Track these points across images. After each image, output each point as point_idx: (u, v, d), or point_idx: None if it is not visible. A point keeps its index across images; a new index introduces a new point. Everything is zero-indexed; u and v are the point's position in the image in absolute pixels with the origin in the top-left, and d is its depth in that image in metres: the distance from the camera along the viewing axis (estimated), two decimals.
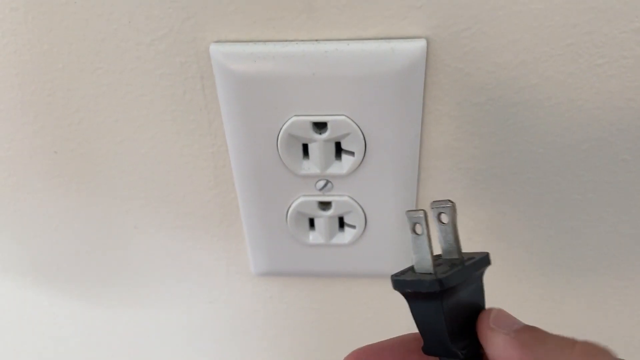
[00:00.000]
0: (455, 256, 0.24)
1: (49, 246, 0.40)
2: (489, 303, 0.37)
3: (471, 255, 0.24)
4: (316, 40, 0.29)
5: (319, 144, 0.31)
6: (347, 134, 0.31)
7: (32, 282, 0.43)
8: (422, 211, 0.23)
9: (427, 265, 0.23)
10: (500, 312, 0.23)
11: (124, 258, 0.41)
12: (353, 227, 0.36)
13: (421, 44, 0.28)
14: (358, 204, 0.34)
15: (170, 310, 0.44)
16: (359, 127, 0.31)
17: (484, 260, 0.24)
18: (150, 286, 0.43)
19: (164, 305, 0.44)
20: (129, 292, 0.43)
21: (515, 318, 0.22)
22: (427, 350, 0.23)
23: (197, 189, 0.36)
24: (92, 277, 0.42)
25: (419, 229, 0.23)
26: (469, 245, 0.37)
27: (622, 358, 0.20)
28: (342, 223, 0.36)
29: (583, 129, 0.31)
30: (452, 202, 0.24)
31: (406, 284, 0.23)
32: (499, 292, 0.40)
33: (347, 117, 0.30)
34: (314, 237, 0.36)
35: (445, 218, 0.24)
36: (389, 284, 0.40)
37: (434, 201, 0.24)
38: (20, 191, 0.37)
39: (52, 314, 0.46)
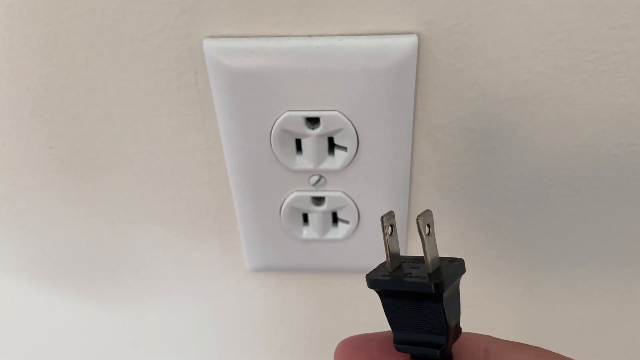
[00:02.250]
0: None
1: (44, 242, 0.41)
2: (485, 298, 0.37)
3: (445, 261, 0.24)
4: (308, 35, 0.29)
5: (312, 139, 0.32)
6: (340, 129, 0.31)
7: (26, 279, 0.43)
8: (381, 217, 0.23)
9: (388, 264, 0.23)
10: None
11: (120, 254, 0.41)
12: (347, 222, 0.36)
13: (412, 39, 0.29)
14: (351, 199, 0.34)
15: (165, 306, 0.44)
16: (351, 122, 0.31)
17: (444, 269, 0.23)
18: (146, 282, 0.43)
19: (160, 301, 0.44)
20: (125, 288, 0.43)
21: None
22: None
23: (192, 185, 0.36)
24: (87, 273, 0.43)
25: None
26: (460, 241, 0.37)
27: None
28: (335, 218, 0.36)
29: (574, 125, 0.31)
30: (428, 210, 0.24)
31: (367, 275, 0.24)
32: (491, 287, 0.40)
33: (340, 112, 0.31)
34: (307, 232, 0.36)
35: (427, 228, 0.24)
36: None
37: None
38: (15, 186, 0.37)
39: (47, 311, 0.46)
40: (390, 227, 0.23)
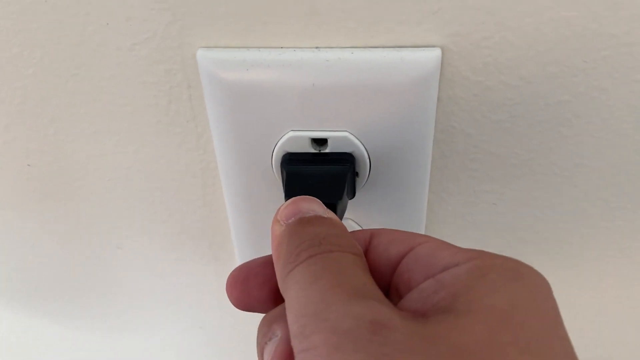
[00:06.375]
0: None
1: (24, 265, 0.37)
2: None
3: None
4: (317, 47, 0.26)
5: None
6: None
7: (7, 303, 0.40)
8: None
9: None
10: (295, 203, 0.20)
11: (106, 279, 0.38)
12: None
13: (435, 53, 0.25)
14: (361, 227, 0.31)
15: (157, 333, 0.41)
16: (363, 144, 0.27)
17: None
18: (135, 308, 0.39)
19: (151, 328, 0.41)
20: (112, 314, 0.40)
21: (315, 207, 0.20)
22: None
23: (185, 208, 0.33)
24: (72, 298, 0.39)
25: None
26: None
27: None
28: None
29: (615, 151, 0.28)
30: None
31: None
32: None
33: (350, 133, 0.27)
34: None
35: None
36: None
37: None
38: None
39: (29, 336, 0.42)
40: None
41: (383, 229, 0.21)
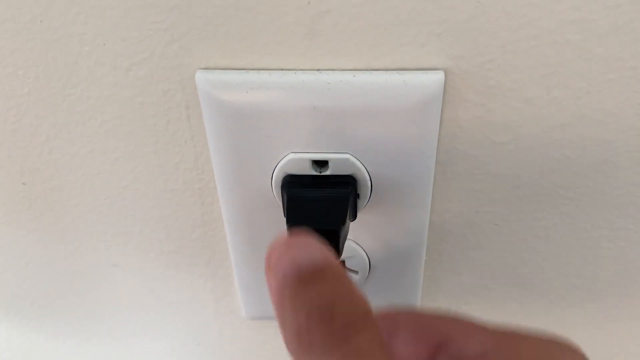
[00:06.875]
0: None
1: (19, 282, 0.37)
2: None
3: None
4: (318, 69, 0.25)
5: None
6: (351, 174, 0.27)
7: (1, 320, 0.39)
8: None
9: None
10: (289, 250, 0.18)
11: (102, 296, 0.37)
12: (355, 272, 0.32)
13: (439, 76, 0.25)
14: (362, 248, 0.31)
15: (154, 350, 0.40)
16: (364, 166, 0.27)
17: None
18: (131, 325, 0.39)
19: (148, 345, 0.40)
20: (108, 331, 0.39)
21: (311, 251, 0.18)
22: None
23: (182, 226, 0.32)
24: (67, 314, 0.39)
25: None
26: (484, 293, 0.33)
27: None
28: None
29: (619, 173, 0.27)
30: None
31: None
32: None
33: (352, 155, 0.27)
34: None
35: None
36: None
37: None
38: None
39: (24, 351, 0.42)
40: None
41: (388, 316, 0.21)
